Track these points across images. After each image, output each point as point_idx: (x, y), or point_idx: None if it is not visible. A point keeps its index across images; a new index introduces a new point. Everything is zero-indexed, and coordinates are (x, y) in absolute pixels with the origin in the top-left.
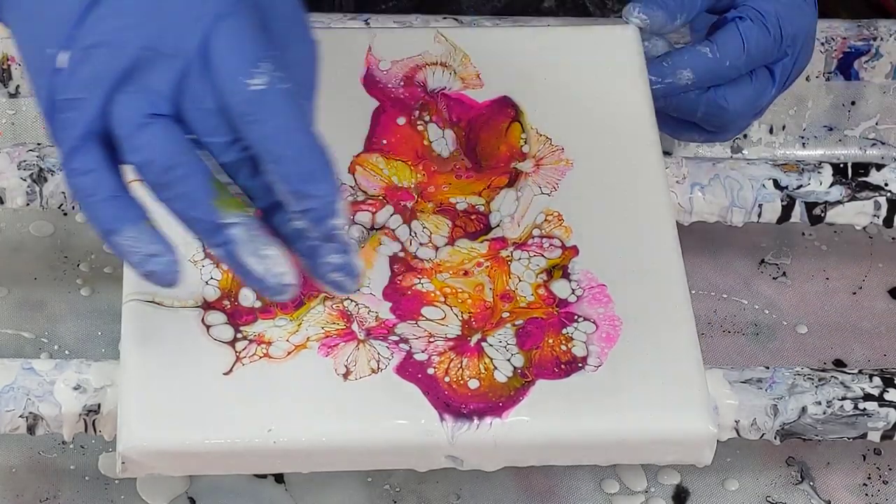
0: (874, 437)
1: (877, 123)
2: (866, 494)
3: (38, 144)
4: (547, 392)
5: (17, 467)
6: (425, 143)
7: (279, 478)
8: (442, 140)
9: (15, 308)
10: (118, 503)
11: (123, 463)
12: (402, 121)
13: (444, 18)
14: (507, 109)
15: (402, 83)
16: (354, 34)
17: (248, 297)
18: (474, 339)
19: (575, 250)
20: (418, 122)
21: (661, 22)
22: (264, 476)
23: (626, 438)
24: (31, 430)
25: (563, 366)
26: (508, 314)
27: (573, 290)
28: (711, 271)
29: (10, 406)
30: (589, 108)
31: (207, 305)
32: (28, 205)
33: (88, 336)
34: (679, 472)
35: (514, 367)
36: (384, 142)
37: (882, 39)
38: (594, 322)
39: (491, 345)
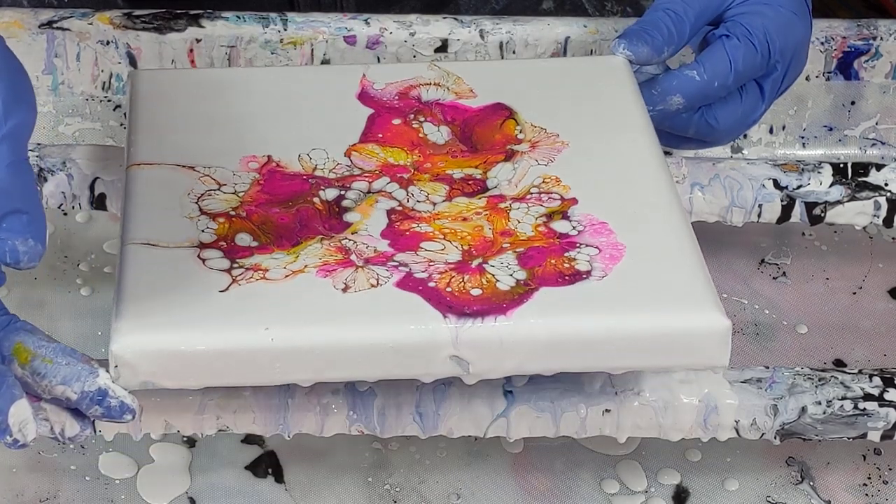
0: (874, 436)
1: (877, 123)
2: (866, 494)
3: (38, 144)
4: (552, 296)
5: (17, 467)
6: (420, 135)
7: (279, 477)
8: (437, 133)
9: (15, 308)
10: (118, 503)
11: (116, 367)
12: (397, 121)
13: (444, 18)
14: (501, 111)
15: (396, 97)
16: (348, 69)
17: (244, 240)
18: (475, 262)
19: (574, 200)
20: (413, 122)
21: (647, 57)
22: (264, 475)
23: (637, 335)
24: None
25: (566, 277)
26: (509, 245)
27: (573, 226)
28: (711, 271)
29: None
30: (584, 111)
31: (203, 245)
32: None
33: (88, 336)
34: (679, 471)
35: (517, 279)
36: (380, 135)
37: (882, 39)
38: (597, 247)
39: (492, 265)
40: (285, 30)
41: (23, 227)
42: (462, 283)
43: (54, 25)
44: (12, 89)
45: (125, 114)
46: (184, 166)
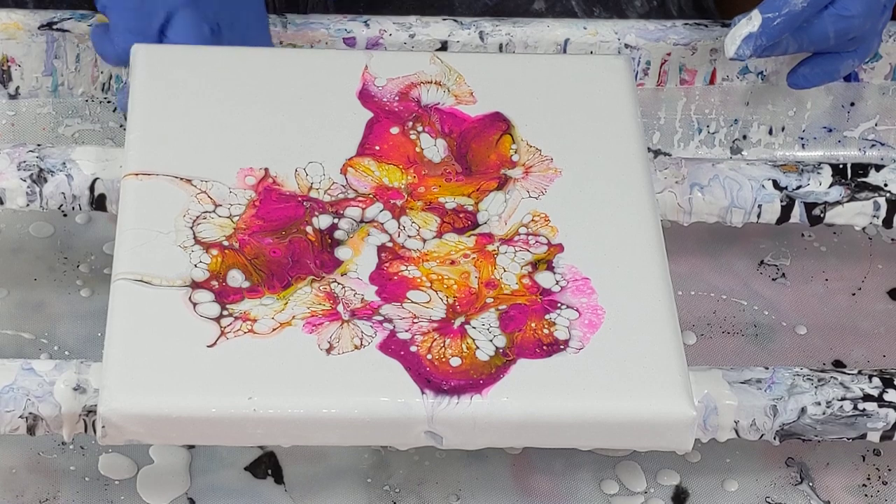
0: (873, 437)
1: (876, 124)
2: (866, 495)
3: (38, 145)
4: (528, 371)
5: (17, 467)
6: (417, 150)
7: (279, 478)
8: (434, 148)
9: (15, 309)
10: (118, 503)
11: (104, 427)
12: (395, 130)
13: (444, 20)
14: (498, 123)
15: (396, 98)
16: (352, 55)
17: (236, 279)
18: (458, 321)
19: (560, 247)
20: (411, 132)
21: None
22: (264, 476)
23: (605, 420)
24: (30, 430)
25: (545, 347)
26: (492, 300)
27: (557, 280)
28: (711, 272)
29: (9, 406)
30: (579, 124)
31: (195, 285)
32: (28, 205)
33: (88, 337)
34: (678, 472)
35: (497, 347)
36: (377, 147)
37: (881, 41)
38: (577, 310)
39: (474, 327)
40: (285, 31)
41: None
42: (443, 350)
43: (54, 27)
44: None
45: (124, 115)
46: (181, 179)
